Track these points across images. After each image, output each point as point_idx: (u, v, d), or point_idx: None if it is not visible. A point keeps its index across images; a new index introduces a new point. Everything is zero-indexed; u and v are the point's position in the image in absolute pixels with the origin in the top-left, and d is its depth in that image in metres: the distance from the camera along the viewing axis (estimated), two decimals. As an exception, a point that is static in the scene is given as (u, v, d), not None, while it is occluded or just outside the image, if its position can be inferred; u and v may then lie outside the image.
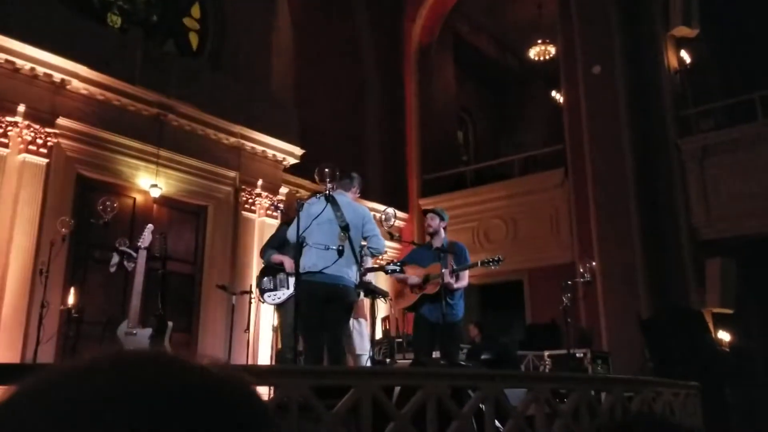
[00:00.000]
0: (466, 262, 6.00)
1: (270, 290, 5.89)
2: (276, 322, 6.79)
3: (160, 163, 10.09)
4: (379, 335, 9.12)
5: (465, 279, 5.97)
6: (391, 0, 16.22)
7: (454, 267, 5.82)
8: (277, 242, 6.10)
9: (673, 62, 12.97)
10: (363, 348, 6.65)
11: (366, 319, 6.84)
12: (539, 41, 15.81)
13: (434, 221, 6.17)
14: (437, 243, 6.08)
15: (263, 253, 6.20)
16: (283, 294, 5.83)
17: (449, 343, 5.86)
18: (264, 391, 4.33)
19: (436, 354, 6.01)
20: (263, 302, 6.17)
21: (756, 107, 11.67)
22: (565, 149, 13.44)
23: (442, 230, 6.19)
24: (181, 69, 10.84)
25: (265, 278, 5.94)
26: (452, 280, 5.79)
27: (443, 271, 5.74)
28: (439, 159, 15.86)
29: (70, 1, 10.10)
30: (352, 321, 6.27)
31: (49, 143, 8.86)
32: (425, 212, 6.54)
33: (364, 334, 6.79)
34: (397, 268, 5.81)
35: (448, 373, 4.37)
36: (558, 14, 14.12)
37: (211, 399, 0.46)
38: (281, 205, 7.68)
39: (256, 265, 10.89)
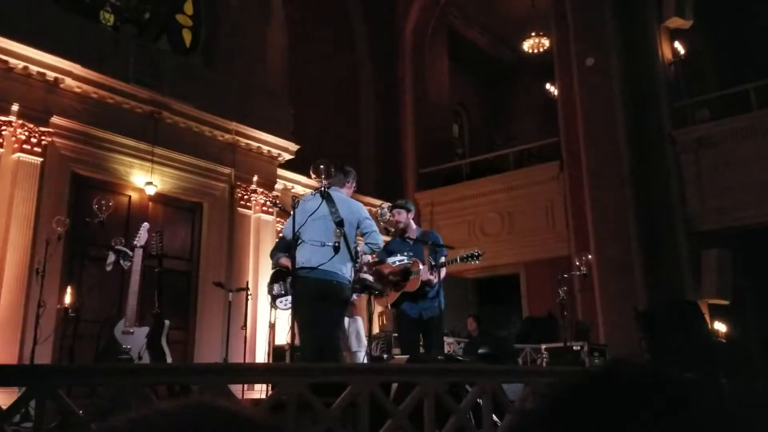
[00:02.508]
0: (441, 248, 5.92)
1: (281, 295, 5.82)
2: (273, 320, 6.78)
3: (154, 161, 10.07)
4: (375, 331, 9.13)
5: (443, 271, 5.89)
6: (384, -6, 16.20)
7: (432, 263, 5.74)
8: (284, 244, 6.04)
9: (668, 53, 12.97)
10: (359, 345, 6.66)
11: (361, 316, 6.85)
12: (533, 34, 15.78)
13: (402, 216, 6.06)
14: (411, 235, 6.02)
15: (271, 255, 6.14)
16: None
17: (430, 338, 5.84)
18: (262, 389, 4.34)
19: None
20: (276, 308, 6.10)
21: (750, 98, 11.69)
22: (560, 142, 13.45)
23: (412, 221, 6.12)
24: (175, 66, 10.81)
25: (276, 285, 5.86)
26: (432, 277, 5.75)
27: (422, 268, 5.71)
28: (434, 153, 15.85)
29: (62, -2, 10.07)
30: (347, 319, 6.26)
31: (43, 142, 8.83)
32: (390, 209, 6.39)
33: (360, 331, 6.80)
34: (405, 258, 5.78)
35: (446, 368, 4.38)
36: (552, 6, 14.11)
37: None
38: (279, 202, 7.65)
39: (252, 261, 10.90)
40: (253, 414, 0.57)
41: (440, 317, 5.84)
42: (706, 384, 0.56)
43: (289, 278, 5.72)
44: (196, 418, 0.55)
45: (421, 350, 5.89)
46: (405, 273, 5.83)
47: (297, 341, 5.17)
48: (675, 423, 0.53)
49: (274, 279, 5.91)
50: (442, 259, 5.75)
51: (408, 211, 6.10)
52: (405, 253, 5.91)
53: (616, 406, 0.54)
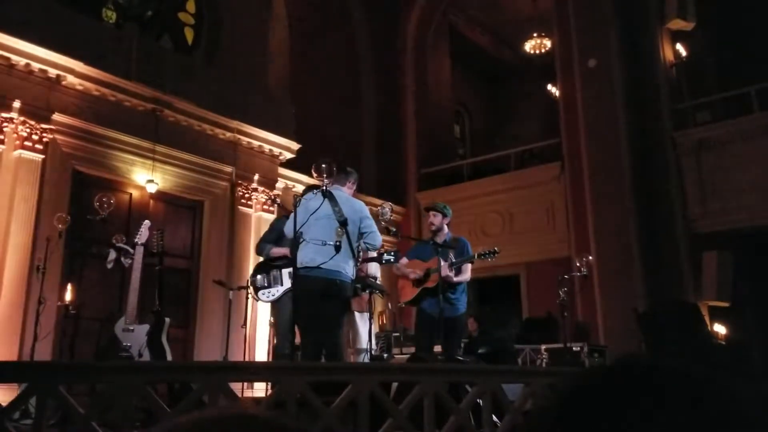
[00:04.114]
0: (467, 255, 5.98)
1: (264, 288, 5.81)
2: (272, 319, 6.77)
3: (156, 159, 10.08)
4: (375, 330, 9.13)
5: (467, 273, 5.96)
6: (387, -6, 16.21)
7: (453, 261, 5.81)
8: (273, 236, 6.02)
9: (669, 55, 12.97)
10: (365, 342, 6.67)
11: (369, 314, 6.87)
12: (535, 34, 15.77)
13: (437, 219, 6.11)
14: (440, 239, 6.06)
15: (259, 248, 6.11)
16: (277, 291, 5.76)
17: (449, 338, 5.86)
18: (262, 388, 4.35)
19: (437, 348, 6.02)
20: (258, 300, 6.11)
21: (752, 100, 11.68)
22: (561, 143, 13.44)
23: (445, 227, 6.15)
24: (177, 64, 10.82)
25: (259, 276, 5.86)
26: (451, 274, 5.78)
27: (442, 264, 5.73)
28: (435, 153, 15.85)
29: (65, -4, 10.07)
30: (357, 315, 6.29)
31: (44, 139, 8.84)
32: (426, 209, 6.48)
33: (369, 329, 6.81)
34: (392, 258, 5.80)
35: (445, 368, 4.38)
36: (553, 7, 14.10)
37: None
38: (278, 200, 7.67)
39: (252, 260, 10.89)
40: (291, 423, 0.57)
41: (460, 317, 5.91)
42: (713, 379, 0.55)
43: (272, 270, 5.73)
44: (236, 427, 0.54)
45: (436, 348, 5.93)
46: (426, 271, 5.88)
47: (298, 340, 5.17)
48: (685, 418, 0.52)
49: (258, 270, 5.90)
50: (452, 257, 5.82)
51: (444, 216, 6.13)
52: (392, 252, 5.95)
53: (623, 404, 0.54)
